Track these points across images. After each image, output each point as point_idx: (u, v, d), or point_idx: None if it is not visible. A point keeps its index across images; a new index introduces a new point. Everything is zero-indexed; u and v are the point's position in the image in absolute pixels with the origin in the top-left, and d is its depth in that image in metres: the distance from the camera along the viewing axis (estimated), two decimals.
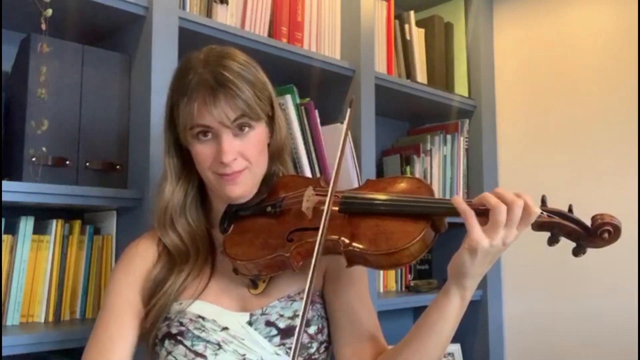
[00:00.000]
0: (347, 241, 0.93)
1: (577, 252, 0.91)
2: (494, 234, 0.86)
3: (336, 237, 0.94)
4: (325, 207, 0.91)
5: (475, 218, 0.87)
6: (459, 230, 0.88)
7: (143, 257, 1.07)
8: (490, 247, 0.86)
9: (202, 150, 1.00)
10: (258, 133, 1.02)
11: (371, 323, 1.06)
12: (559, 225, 0.89)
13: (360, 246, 0.92)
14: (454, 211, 0.92)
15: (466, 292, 0.93)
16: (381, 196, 0.97)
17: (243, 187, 1.02)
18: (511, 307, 2.22)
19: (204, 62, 0.99)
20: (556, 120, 2.14)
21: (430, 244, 0.93)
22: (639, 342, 1.86)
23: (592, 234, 0.88)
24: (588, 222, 0.89)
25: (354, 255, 0.93)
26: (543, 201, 0.92)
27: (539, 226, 0.90)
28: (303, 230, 0.97)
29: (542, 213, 0.89)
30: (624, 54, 1.99)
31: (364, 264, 0.94)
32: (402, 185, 1.01)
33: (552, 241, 0.91)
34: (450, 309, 0.93)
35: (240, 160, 1.00)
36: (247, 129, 1.00)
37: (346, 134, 1.02)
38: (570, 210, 0.90)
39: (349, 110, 1.04)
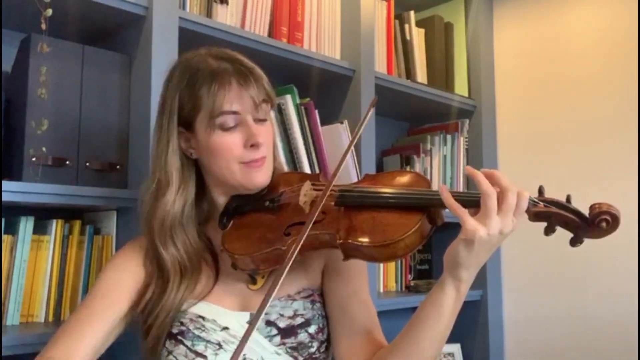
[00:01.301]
0: (343, 234, 0.93)
1: (574, 242, 0.89)
2: (488, 222, 0.84)
3: (332, 230, 0.94)
4: (319, 199, 0.91)
5: (463, 209, 0.86)
6: (459, 229, 0.87)
7: (136, 261, 1.04)
8: (488, 237, 0.84)
9: (228, 140, 0.99)
10: (270, 123, 1.05)
11: (368, 319, 1.04)
12: (555, 215, 0.88)
13: (356, 239, 0.92)
14: None
15: (462, 284, 0.90)
16: (377, 189, 0.98)
17: (266, 174, 1.03)
18: (511, 307, 2.22)
19: (213, 57, 1.01)
20: (556, 120, 2.14)
21: (426, 235, 0.93)
22: (639, 342, 1.86)
23: (590, 224, 0.87)
24: (586, 212, 0.88)
25: (350, 248, 0.93)
26: (540, 191, 0.91)
27: (535, 216, 0.89)
28: (300, 225, 0.97)
29: (537, 202, 0.89)
30: (624, 54, 1.99)
31: (360, 257, 0.94)
32: (400, 178, 1.01)
33: (549, 231, 0.89)
34: (445, 301, 0.91)
35: (264, 146, 1.01)
36: (264, 117, 1.03)
37: (357, 132, 1.03)
38: (568, 200, 0.89)
39: (369, 110, 1.06)
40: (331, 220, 0.96)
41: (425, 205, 0.92)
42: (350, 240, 0.92)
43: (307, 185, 1.02)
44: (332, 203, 0.98)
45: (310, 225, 0.89)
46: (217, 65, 0.99)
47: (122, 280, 1.02)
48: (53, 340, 0.96)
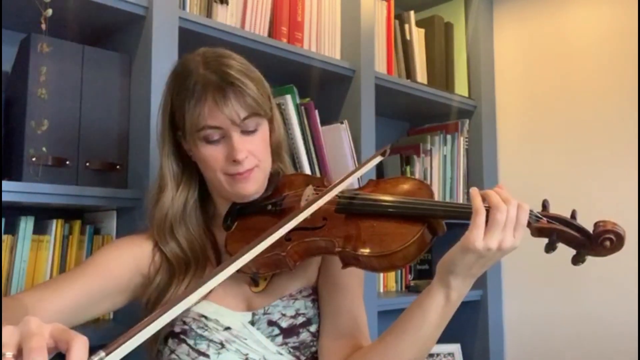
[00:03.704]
0: (342, 242, 0.92)
1: (576, 260, 0.88)
2: (491, 235, 0.84)
3: (331, 237, 0.93)
4: (315, 204, 0.90)
5: (484, 218, 0.84)
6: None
7: (141, 248, 1.05)
8: (486, 251, 0.84)
9: (212, 152, 0.99)
10: (263, 131, 1.03)
11: (351, 319, 1.03)
12: (558, 232, 0.86)
13: (355, 248, 0.91)
14: (451, 214, 0.91)
15: (451, 292, 0.89)
16: (378, 197, 0.97)
17: (255, 184, 1.02)
18: (511, 307, 2.22)
19: (204, 64, 0.98)
20: (556, 120, 2.14)
21: (426, 246, 0.92)
22: (638, 343, 1.86)
23: (593, 242, 0.85)
24: (590, 229, 0.86)
25: (347, 256, 0.92)
26: (544, 206, 0.90)
27: (538, 232, 0.88)
28: (302, 230, 0.96)
29: (540, 218, 0.88)
30: (624, 54, 1.99)
31: (357, 266, 0.93)
32: (402, 186, 1.01)
33: (549, 248, 0.87)
34: (432, 307, 0.90)
35: (250, 158, 1.00)
36: (254, 128, 1.00)
37: (362, 165, 1.02)
38: (573, 216, 0.87)
39: (383, 155, 1.04)
40: (331, 228, 0.95)
41: (426, 215, 0.91)
42: (348, 249, 0.91)
43: (309, 190, 1.01)
44: (333, 209, 0.97)
45: (296, 217, 0.86)
46: (202, 77, 0.97)
47: (121, 259, 1.02)
48: (32, 289, 0.94)
